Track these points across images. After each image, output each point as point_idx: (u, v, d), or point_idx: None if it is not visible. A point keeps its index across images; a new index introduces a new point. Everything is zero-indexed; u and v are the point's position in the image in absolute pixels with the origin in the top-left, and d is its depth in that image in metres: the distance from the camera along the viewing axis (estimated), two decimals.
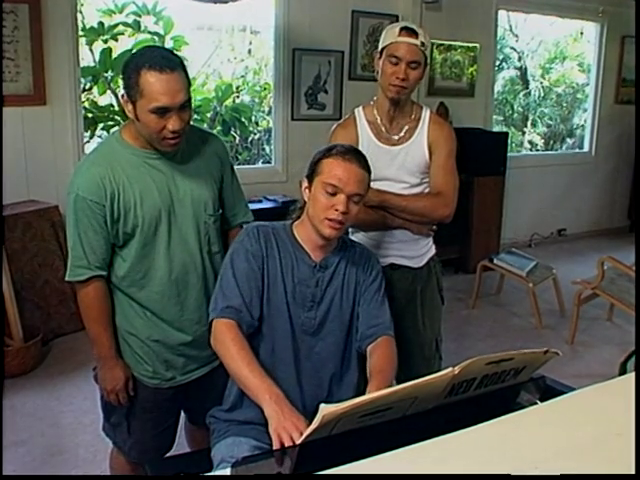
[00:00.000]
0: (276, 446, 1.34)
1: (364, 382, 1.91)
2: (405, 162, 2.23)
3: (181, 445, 2.30)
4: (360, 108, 2.32)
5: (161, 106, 1.66)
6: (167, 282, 1.88)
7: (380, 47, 2.19)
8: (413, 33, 2.12)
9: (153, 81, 1.64)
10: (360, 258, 1.86)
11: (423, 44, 2.13)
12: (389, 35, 2.15)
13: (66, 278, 1.85)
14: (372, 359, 1.75)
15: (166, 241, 1.86)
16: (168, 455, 2.12)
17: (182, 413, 2.18)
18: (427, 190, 2.29)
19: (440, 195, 2.24)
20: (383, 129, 2.25)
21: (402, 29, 2.12)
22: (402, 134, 2.24)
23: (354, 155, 1.71)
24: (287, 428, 1.36)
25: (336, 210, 1.66)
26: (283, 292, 1.74)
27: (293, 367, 1.74)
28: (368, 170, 1.73)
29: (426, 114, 2.27)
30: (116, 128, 1.86)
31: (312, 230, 1.74)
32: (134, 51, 1.82)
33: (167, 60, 1.68)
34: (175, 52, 1.79)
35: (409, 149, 2.23)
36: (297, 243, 1.78)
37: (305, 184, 1.76)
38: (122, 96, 1.74)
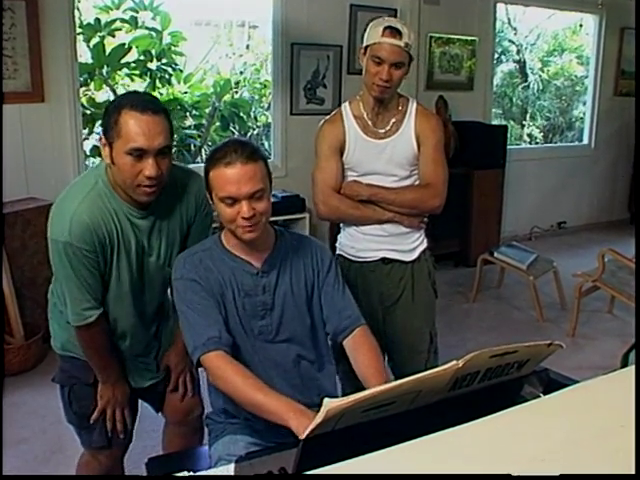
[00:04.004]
0: None
1: (347, 370, 1.91)
2: (393, 155, 2.24)
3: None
4: (347, 103, 2.32)
5: (137, 147, 1.60)
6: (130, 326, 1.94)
7: (364, 44, 2.17)
8: (397, 33, 2.09)
9: (132, 121, 1.60)
10: (305, 252, 1.81)
11: (407, 44, 2.11)
12: (373, 34, 2.13)
13: (74, 324, 1.81)
14: (359, 358, 1.73)
15: (131, 297, 1.87)
16: (166, 453, 2.16)
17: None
18: (417, 182, 2.29)
19: (429, 186, 2.24)
20: (370, 123, 2.25)
21: (386, 29, 2.09)
22: (389, 127, 2.24)
23: (234, 155, 1.59)
24: None
25: (243, 218, 1.60)
26: (234, 309, 1.71)
27: (266, 380, 1.68)
28: (258, 158, 1.63)
29: (412, 106, 2.27)
30: (97, 166, 1.79)
31: (236, 238, 1.69)
32: (119, 94, 1.80)
33: (150, 103, 1.65)
34: (159, 100, 1.76)
35: (397, 142, 2.23)
36: (232, 254, 1.73)
37: (209, 198, 1.70)
38: (100, 139, 1.70)
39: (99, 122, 4.88)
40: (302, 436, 1.28)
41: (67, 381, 1.99)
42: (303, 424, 1.34)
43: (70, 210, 1.70)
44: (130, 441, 2.09)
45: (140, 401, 2.12)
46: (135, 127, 1.60)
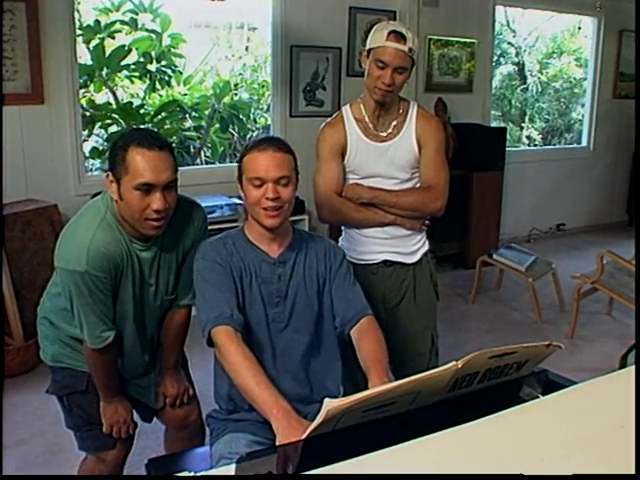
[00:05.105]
0: None
1: (349, 370, 1.94)
2: (394, 158, 2.24)
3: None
4: (347, 106, 2.32)
5: (146, 182, 1.65)
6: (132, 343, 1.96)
7: (367, 47, 2.17)
8: (402, 38, 2.09)
9: (140, 157, 1.65)
10: (319, 249, 1.89)
11: (411, 49, 2.11)
12: (377, 37, 2.13)
13: (94, 347, 1.82)
14: (362, 346, 1.77)
15: (132, 317, 1.90)
16: (168, 454, 2.16)
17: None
18: (418, 185, 2.30)
19: (431, 189, 2.25)
20: (371, 126, 2.25)
21: (390, 33, 2.09)
22: (390, 130, 2.25)
23: (268, 143, 1.75)
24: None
25: (267, 198, 1.71)
26: (251, 293, 1.78)
27: (272, 367, 1.77)
28: (289, 151, 1.77)
29: (413, 109, 2.27)
30: (102, 197, 1.83)
31: (259, 226, 1.79)
32: (124, 132, 1.82)
33: (155, 139, 1.69)
34: (164, 136, 1.80)
35: (398, 144, 2.24)
36: (252, 244, 1.82)
37: (239, 187, 1.81)
38: (107, 175, 1.73)
39: (99, 124, 4.91)
40: (279, 442, 1.35)
41: (61, 391, 2.00)
42: (283, 426, 1.40)
43: (85, 240, 1.74)
44: (133, 438, 2.10)
45: None
46: (143, 163, 1.65)
